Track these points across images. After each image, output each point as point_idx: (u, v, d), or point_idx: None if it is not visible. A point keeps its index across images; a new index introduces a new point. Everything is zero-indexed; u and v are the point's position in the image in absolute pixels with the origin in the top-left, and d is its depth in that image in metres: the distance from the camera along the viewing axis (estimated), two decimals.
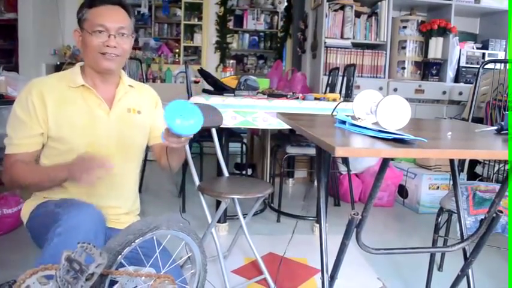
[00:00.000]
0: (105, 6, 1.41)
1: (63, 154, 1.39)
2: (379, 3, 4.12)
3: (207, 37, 5.64)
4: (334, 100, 2.55)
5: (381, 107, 1.18)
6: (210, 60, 5.65)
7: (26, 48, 4.59)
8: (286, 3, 5.40)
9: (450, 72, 4.19)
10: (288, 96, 2.59)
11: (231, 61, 6.54)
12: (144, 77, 5.13)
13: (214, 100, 2.36)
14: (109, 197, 1.48)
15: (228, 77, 3.25)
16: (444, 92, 4.12)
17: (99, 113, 1.45)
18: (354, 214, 1.09)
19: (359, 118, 1.31)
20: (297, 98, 2.58)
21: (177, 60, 5.87)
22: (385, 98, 1.21)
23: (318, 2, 4.18)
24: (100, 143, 1.44)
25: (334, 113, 1.47)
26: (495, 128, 1.24)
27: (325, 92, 3.66)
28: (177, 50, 6.05)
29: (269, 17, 6.61)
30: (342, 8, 4.06)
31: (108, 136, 1.46)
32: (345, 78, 3.33)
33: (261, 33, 6.69)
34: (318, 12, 4.25)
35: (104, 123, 1.45)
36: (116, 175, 1.43)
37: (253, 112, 2.39)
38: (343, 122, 1.21)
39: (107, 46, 1.40)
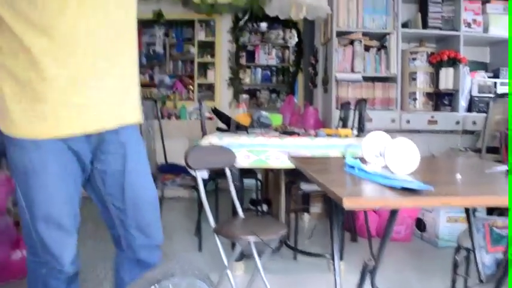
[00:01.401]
0: None
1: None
2: (387, 36, 4.19)
3: (219, 74, 5.76)
4: (346, 136, 2.58)
5: (389, 151, 1.20)
6: (223, 96, 5.75)
7: None
8: (296, 39, 5.52)
9: (462, 102, 4.19)
10: (300, 134, 2.62)
11: (244, 96, 6.65)
12: (160, 114, 5.24)
13: (228, 140, 2.41)
14: (101, 77, 1.27)
15: (241, 114, 3.31)
16: (457, 122, 4.11)
17: None
18: (368, 261, 1.10)
19: (368, 162, 1.32)
20: (309, 135, 2.61)
21: (191, 97, 5.99)
22: (393, 141, 1.23)
23: (327, 37, 4.26)
24: None
25: (344, 155, 1.49)
26: (505, 168, 1.25)
27: (337, 127, 3.68)
28: (191, 87, 6.17)
29: (280, 52, 6.73)
30: (351, 42, 4.13)
31: None
32: (357, 113, 3.35)
33: (273, 68, 6.80)
34: (327, 48, 4.33)
35: None
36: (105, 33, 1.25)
37: (266, 151, 2.42)
38: (353, 166, 1.23)
39: None
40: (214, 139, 2.42)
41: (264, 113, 3.29)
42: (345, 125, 3.47)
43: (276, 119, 3.57)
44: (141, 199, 1.37)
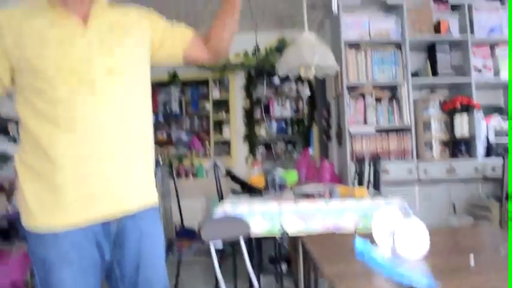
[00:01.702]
0: None
1: (39, 88, 1.21)
2: (398, 86, 4.21)
3: (235, 130, 5.85)
4: (361, 197, 2.55)
5: (398, 235, 1.19)
6: (239, 152, 5.81)
7: None
8: (309, 92, 5.62)
9: (480, 148, 4.13)
10: (315, 195, 2.61)
11: (261, 148, 6.69)
12: (176, 173, 5.29)
13: (242, 207, 2.41)
14: (113, 160, 1.27)
15: (255, 176, 3.32)
16: (477, 169, 4.03)
17: (72, 31, 1.24)
18: None
19: (378, 243, 1.31)
20: (323, 196, 2.59)
21: (207, 153, 6.06)
22: (402, 224, 1.22)
23: (338, 91, 4.32)
24: (83, 68, 1.23)
25: (356, 229, 1.47)
26: None
27: (354, 181, 3.66)
28: (208, 143, 6.26)
29: (294, 103, 6.82)
30: (362, 95, 4.16)
31: (91, 58, 1.24)
32: (372, 168, 3.33)
33: (288, 119, 6.86)
34: (339, 101, 4.37)
35: (80, 41, 1.24)
36: (115, 114, 1.27)
37: (281, 217, 2.41)
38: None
39: None
40: (228, 207, 2.43)
41: (278, 172, 3.31)
42: (360, 180, 3.45)
43: (292, 176, 3.57)
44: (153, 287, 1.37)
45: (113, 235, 1.32)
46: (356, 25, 4.20)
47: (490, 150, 4.15)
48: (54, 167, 1.22)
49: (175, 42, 1.47)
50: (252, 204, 2.44)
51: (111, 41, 1.29)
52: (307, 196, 2.62)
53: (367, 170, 3.44)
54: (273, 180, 3.01)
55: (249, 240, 2.63)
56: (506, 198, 3.34)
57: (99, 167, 1.25)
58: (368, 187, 3.33)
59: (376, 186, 3.12)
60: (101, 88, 1.24)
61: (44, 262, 1.26)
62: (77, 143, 1.23)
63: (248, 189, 2.98)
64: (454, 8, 4.39)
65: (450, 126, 4.24)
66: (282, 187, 3.03)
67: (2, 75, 1.24)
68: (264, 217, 2.41)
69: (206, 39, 1.49)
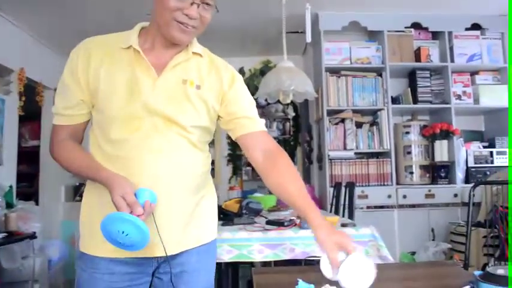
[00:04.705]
0: None
1: (102, 126, 1.24)
2: (378, 112, 4.24)
3: (219, 151, 5.85)
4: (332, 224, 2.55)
5: (342, 270, 1.20)
6: (224, 173, 5.79)
7: (47, 172, 4.82)
8: (293, 113, 5.64)
9: (459, 174, 4.15)
10: (285, 224, 2.60)
11: (247, 168, 6.68)
12: None
13: None
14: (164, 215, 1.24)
15: (232, 200, 3.31)
16: (456, 195, 4.05)
17: (143, 79, 1.22)
18: None
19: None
20: (295, 224, 2.59)
21: None
22: (347, 260, 1.23)
23: (318, 116, 4.34)
24: (139, 115, 1.21)
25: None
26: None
27: (331, 207, 3.66)
28: None
29: (281, 124, 6.84)
30: (342, 120, 4.19)
31: (150, 108, 1.21)
32: (347, 195, 3.34)
33: (275, 139, 6.87)
34: (320, 125, 4.40)
35: (147, 91, 1.21)
36: (171, 168, 1.24)
37: (249, 245, 2.40)
38: None
39: (186, 15, 1.16)
40: None
41: (256, 196, 3.31)
42: (337, 206, 3.45)
43: (270, 201, 3.56)
44: None
45: (153, 268, 1.32)
46: (337, 51, 4.25)
47: (469, 176, 4.16)
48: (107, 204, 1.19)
49: (237, 127, 1.41)
50: (221, 232, 2.42)
51: (178, 97, 1.25)
52: (278, 224, 2.61)
53: (343, 195, 3.45)
54: (247, 204, 3.01)
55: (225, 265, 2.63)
56: (478, 225, 3.37)
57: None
58: (344, 212, 3.33)
59: (350, 212, 3.12)
60: (154, 136, 1.23)
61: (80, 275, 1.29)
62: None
63: (222, 213, 2.97)
64: (435, 35, 4.46)
65: (431, 151, 4.26)
66: (257, 211, 3.03)
67: (86, 101, 1.26)
68: (232, 246, 2.39)
69: (269, 169, 1.39)
